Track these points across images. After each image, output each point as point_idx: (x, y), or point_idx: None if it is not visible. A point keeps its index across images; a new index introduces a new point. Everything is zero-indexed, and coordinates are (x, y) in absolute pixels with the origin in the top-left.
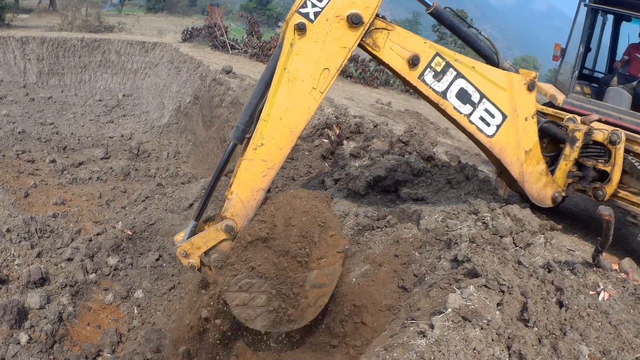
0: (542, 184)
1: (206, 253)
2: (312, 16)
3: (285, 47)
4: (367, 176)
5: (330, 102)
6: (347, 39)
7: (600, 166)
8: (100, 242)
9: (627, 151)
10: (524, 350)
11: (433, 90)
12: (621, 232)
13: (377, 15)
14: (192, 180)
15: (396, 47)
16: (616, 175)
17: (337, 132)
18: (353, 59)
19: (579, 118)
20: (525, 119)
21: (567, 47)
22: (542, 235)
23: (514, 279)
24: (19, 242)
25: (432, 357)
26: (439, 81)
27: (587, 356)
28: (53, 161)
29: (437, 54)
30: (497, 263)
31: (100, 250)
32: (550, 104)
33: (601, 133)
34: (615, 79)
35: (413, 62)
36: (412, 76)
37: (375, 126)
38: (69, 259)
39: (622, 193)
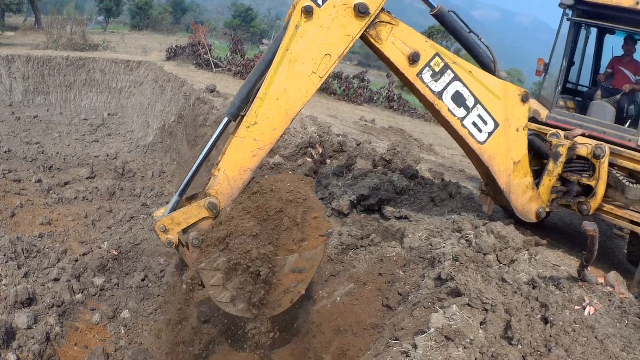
0: (527, 198)
1: (185, 231)
2: (320, 1)
3: (290, 29)
4: (350, 195)
5: (314, 120)
6: (351, 27)
7: (585, 180)
8: (87, 262)
9: (611, 165)
10: None
11: (429, 89)
12: (607, 245)
13: (382, 9)
14: None
15: (398, 42)
16: (601, 189)
17: (320, 151)
18: (336, 76)
19: (562, 133)
20: (517, 130)
21: (550, 62)
22: (527, 252)
23: (498, 296)
24: (6, 262)
25: None
26: (436, 81)
27: None
28: (39, 180)
29: (437, 54)
30: (481, 281)
31: (87, 271)
32: (533, 119)
33: (585, 147)
34: (598, 92)
35: (413, 58)
36: (410, 73)
37: (358, 145)
38: (56, 279)
39: (607, 207)
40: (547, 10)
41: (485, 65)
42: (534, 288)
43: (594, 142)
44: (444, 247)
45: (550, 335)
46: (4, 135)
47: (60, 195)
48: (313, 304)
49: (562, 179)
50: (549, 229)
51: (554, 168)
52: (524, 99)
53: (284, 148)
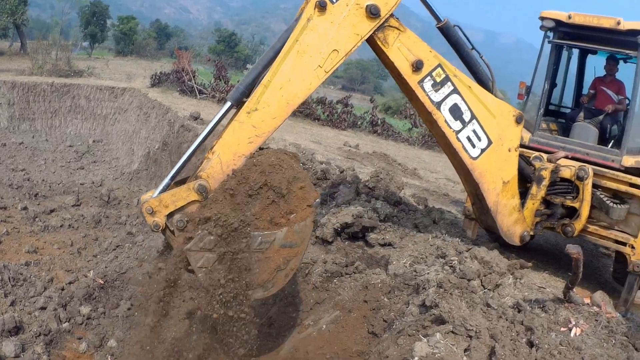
0: (513, 220)
1: (172, 215)
2: None
3: (302, 21)
4: (334, 223)
5: (297, 147)
6: (361, 27)
7: (569, 203)
8: (73, 291)
9: (595, 186)
10: None
11: (429, 98)
12: (593, 265)
13: (392, 15)
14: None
15: (404, 48)
16: (585, 211)
17: None
18: (320, 101)
19: (545, 156)
20: (509, 150)
21: (532, 85)
22: (511, 275)
23: (482, 322)
24: None
25: None
26: (436, 91)
27: None
28: (25, 208)
29: (440, 65)
30: (465, 307)
31: (73, 299)
32: None
33: (568, 170)
34: (581, 114)
35: (417, 66)
36: (412, 80)
37: (341, 172)
38: (43, 308)
39: (592, 228)
40: (530, 30)
41: (484, 83)
42: (519, 312)
43: (577, 164)
44: (428, 273)
45: (536, 359)
46: None
47: (46, 223)
48: (299, 332)
49: (545, 202)
50: (534, 251)
51: (538, 192)
52: (518, 121)
53: None
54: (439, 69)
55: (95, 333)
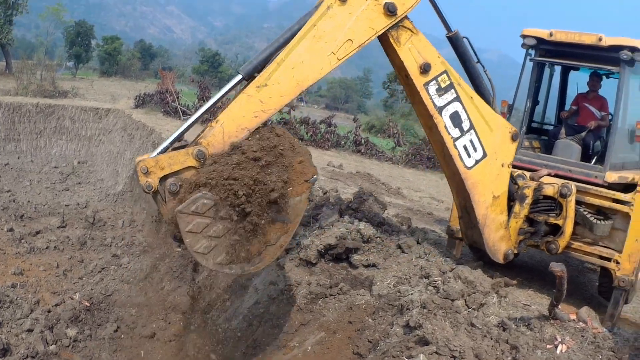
0: (499, 236)
1: (165, 178)
2: None
3: (322, 8)
4: (317, 245)
5: None
6: (378, 22)
7: (552, 220)
8: (59, 313)
9: (578, 202)
10: None
11: (432, 102)
12: (579, 280)
13: (407, 17)
14: (147, 249)
15: (414, 49)
16: (568, 228)
17: None
18: (304, 122)
19: (528, 174)
20: (502, 165)
21: (514, 103)
22: (495, 294)
23: (467, 342)
24: None
25: None
26: (439, 96)
27: None
28: (11, 229)
29: (446, 72)
30: (449, 327)
31: (60, 322)
32: None
33: (551, 187)
34: (563, 130)
35: (424, 68)
36: (419, 81)
37: (324, 193)
38: (29, 330)
39: (576, 244)
40: (513, 45)
41: (485, 97)
42: (504, 330)
43: (560, 181)
44: (412, 294)
45: None
46: None
47: (32, 245)
48: (284, 353)
49: (529, 220)
50: (519, 268)
51: (521, 210)
52: (514, 138)
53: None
54: (444, 75)
55: (82, 355)
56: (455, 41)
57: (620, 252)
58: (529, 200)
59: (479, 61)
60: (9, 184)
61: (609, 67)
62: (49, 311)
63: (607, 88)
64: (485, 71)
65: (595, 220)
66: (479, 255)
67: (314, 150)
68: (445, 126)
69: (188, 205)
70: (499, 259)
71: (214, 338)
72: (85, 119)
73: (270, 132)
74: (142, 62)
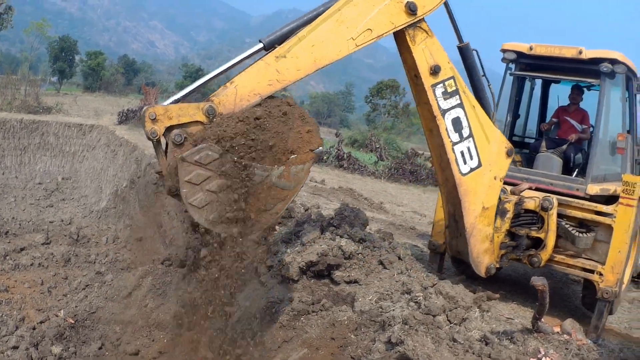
0: (484, 248)
1: (171, 129)
2: None
3: None
4: (299, 262)
5: None
6: (398, 18)
7: (534, 234)
8: (44, 330)
9: (560, 215)
10: None
11: (437, 103)
12: (563, 292)
13: (424, 20)
14: (131, 266)
15: (427, 51)
16: (551, 241)
17: None
18: None
19: (509, 188)
20: (494, 178)
21: (494, 117)
22: (478, 309)
23: (449, 357)
24: None
25: None
26: (445, 99)
27: None
28: None
29: (453, 77)
30: (431, 343)
31: (45, 339)
32: None
33: (532, 201)
34: (544, 144)
35: (435, 70)
36: (428, 81)
37: (306, 210)
38: (15, 347)
39: (559, 257)
40: (495, 58)
41: (486, 109)
42: (486, 345)
43: (541, 194)
44: (393, 310)
45: None
46: None
47: (16, 262)
48: None
49: (510, 234)
50: (502, 281)
51: (502, 225)
52: (509, 154)
53: None
54: (452, 80)
55: None
56: (465, 52)
57: (603, 263)
58: (510, 215)
59: (484, 75)
60: None
61: (590, 80)
62: (34, 328)
63: (590, 100)
64: (489, 85)
65: (577, 233)
66: (461, 268)
67: None
68: (446, 129)
69: (192, 154)
70: (481, 272)
71: (197, 355)
72: (69, 135)
73: (281, 101)
74: (126, 78)
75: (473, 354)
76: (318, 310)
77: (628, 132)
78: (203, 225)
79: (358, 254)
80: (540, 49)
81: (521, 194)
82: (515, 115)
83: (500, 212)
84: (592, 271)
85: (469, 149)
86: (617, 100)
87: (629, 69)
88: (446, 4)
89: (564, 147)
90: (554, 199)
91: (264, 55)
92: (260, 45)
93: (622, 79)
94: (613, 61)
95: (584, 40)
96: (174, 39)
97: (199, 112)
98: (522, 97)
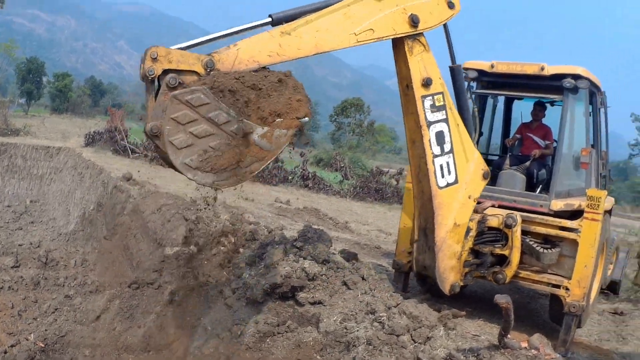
0: (451, 265)
1: (167, 73)
2: None
3: None
4: (263, 284)
5: (227, 208)
6: (399, 26)
7: (498, 251)
8: (15, 354)
9: (525, 232)
10: None
11: (425, 114)
12: (531, 306)
13: (423, 34)
14: (99, 289)
15: (422, 63)
16: (515, 258)
17: (233, 241)
18: None
19: None
20: (469, 197)
21: (475, 139)
22: (443, 327)
23: None
24: None
25: None
26: (432, 112)
27: None
28: None
29: (442, 93)
30: None
31: None
32: None
33: (496, 219)
34: (507, 161)
35: (426, 82)
36: (419, 92)
37: (270, 232)
38: None
39: (524, 273)
40: (513, 47)
41: (468, 130)
42: None
43: (505, 212)
44: (357, 330)
45: None
46: None
47: None
48: None
49: (474, 252)
50: (469, 298)
51: (465, 243)
52: (485, 176)
53: (199, 237)
54: (441, 95)
55: None
56: (456, 73)
57: (569, 278)
58: (473, 233)
59: (471, 97)
60: None
61: (552, 96)
62: (5, 352)
63: (554, 116)
64: (474, 109)
65: (541, 249)
66: (426, 287)
67: (262, 187)
68: (429, 140)
69: (185, 93)
70: (446, 289)
71: None
72: (37, 157)
73: (280, 73)
74: (92, 99)
75: None
76: (283, 332)
77: (592, 146)
78: (177, 168)
79: (322, 275)
80: (502, 67)
81: (484, 212)
82: (479, 133)
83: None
84: (558, 286)
85: (448, 164)
86: (580, 115)
87: (593, 84)
88: (445, 26)
89: (527, 163)
90: (518, 215)
91: (271, 30)
92: (269, 19)
93: (586, 94)
94: (576, 76)
95: (583, 42)
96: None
97: (198, 62)
98: (484, 115)
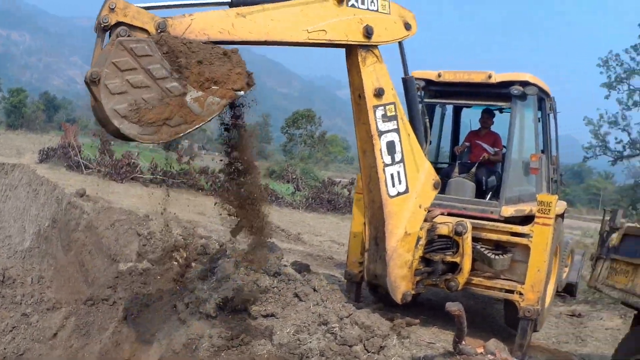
0: (402, 274)
1: (119, 25)
2: (353, 1)
3: None
4: (215, 298)
5: (179, 222)
6: (352, 34)
7: (449, 258)
8: None
9: (476, 239)
10: None
11: (376, 124)
12: (486, 312)
13: (377, 47)
14: (56, 306)
15: (374, 74)
16: (467, 265)
17: (185, 255)
18: (203, 171)
19: None
20: (419, 206)
21: (426, 150)
22: (396, 336)
23: None
24: None
25: None
26: (383, 122)
27: None
28: None
29: (394, 104)
30: None
31: None
32: None
33: (445, 226)
34: (456, 169)
35: (379, 93)
36: (371, 102)
37: (221, 246)
38: None
39: (476, 280)
40: (514, 47)
41: (419, 140)
42: None
43: (454, 219)
44: (310, 342)
45: None
46: None
47: None
48: None
49: (425, 260)
50: (422, 306)
51: (416, 252)
52: (436, 186)
53: (152, 252)
54: (392, 105)
55: None
56: (409, 84)
57: (522, 283)
58: (422, 242)
59: (423, 110)
60: None
61: (501, 104)
62: None
63: (503, 122)
64: (426, 119)
65: (493, 255)
66: (378, 296)
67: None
68: (380, 150)
69: (130, 41)
70: (397, 298)
71: None
72: None
73: (226, 51)
74: (47, 115)
75: None
76: (238, 345)
77: (542, 152)
78: (106, 113)
79: (273, 287)
80: (449, 76)
81: (433, 220)
82: (428, 141)
83: None
84: (512, 291)
85: (399, 173)
86: (529, 121)
87: (541, 90)
88: (400, 44)
89: (473, 169)
90: (468, 223)
91: (228, 9)
92: (228, 0)
93: (534, 100)
94: (524, 83)
95: (582, 41)
96: None
97: (151, 22)
98: (432, 123)
